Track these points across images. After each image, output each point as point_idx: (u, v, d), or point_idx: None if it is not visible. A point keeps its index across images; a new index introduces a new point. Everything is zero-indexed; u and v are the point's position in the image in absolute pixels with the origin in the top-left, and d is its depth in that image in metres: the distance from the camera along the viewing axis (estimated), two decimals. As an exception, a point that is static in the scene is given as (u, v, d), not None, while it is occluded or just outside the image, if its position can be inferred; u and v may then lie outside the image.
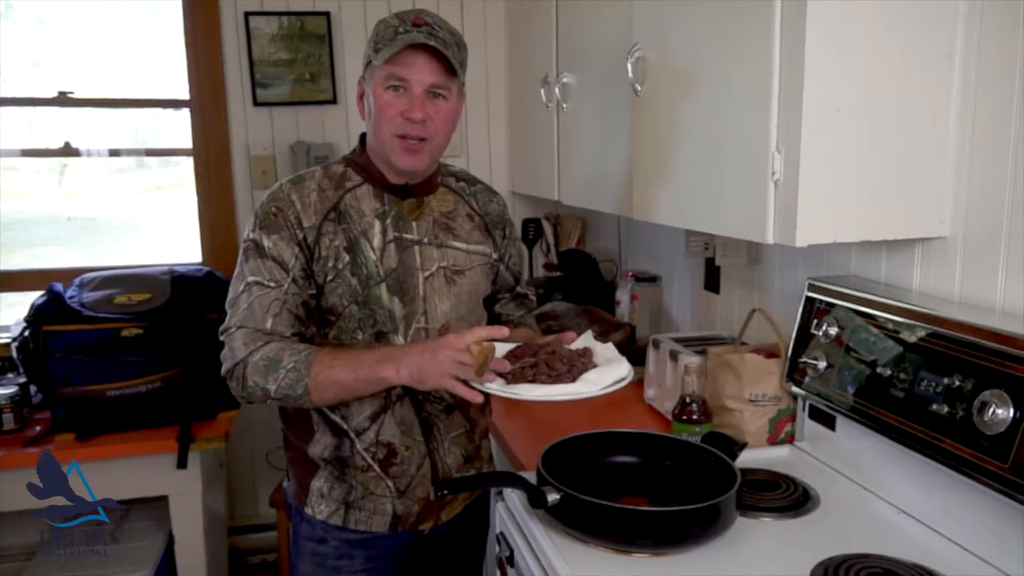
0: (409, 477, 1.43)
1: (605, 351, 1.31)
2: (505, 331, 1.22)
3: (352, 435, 1.39)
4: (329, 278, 1.34)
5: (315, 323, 1.37)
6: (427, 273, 1.40)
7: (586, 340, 1.33)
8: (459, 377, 1.20)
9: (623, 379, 1.22)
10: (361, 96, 1.39)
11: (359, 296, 1.35)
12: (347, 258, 1.34)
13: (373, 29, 1.35)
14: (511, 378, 1.21)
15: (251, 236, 1.34)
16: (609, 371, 1.23)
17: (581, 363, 1.24)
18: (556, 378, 1.20)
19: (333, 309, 1.35)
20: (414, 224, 1.40)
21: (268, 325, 1.31)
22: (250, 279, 1.32)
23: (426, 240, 1.40)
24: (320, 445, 1.40)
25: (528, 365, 1.22)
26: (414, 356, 1.23)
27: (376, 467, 1.40)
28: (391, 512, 1.43)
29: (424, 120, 1.31)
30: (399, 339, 1.37)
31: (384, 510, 1.43)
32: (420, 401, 1.41)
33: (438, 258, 1.41)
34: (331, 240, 1.34)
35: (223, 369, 1.32)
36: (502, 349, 1.26)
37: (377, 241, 1.36)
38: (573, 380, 1.20)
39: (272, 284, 1.32)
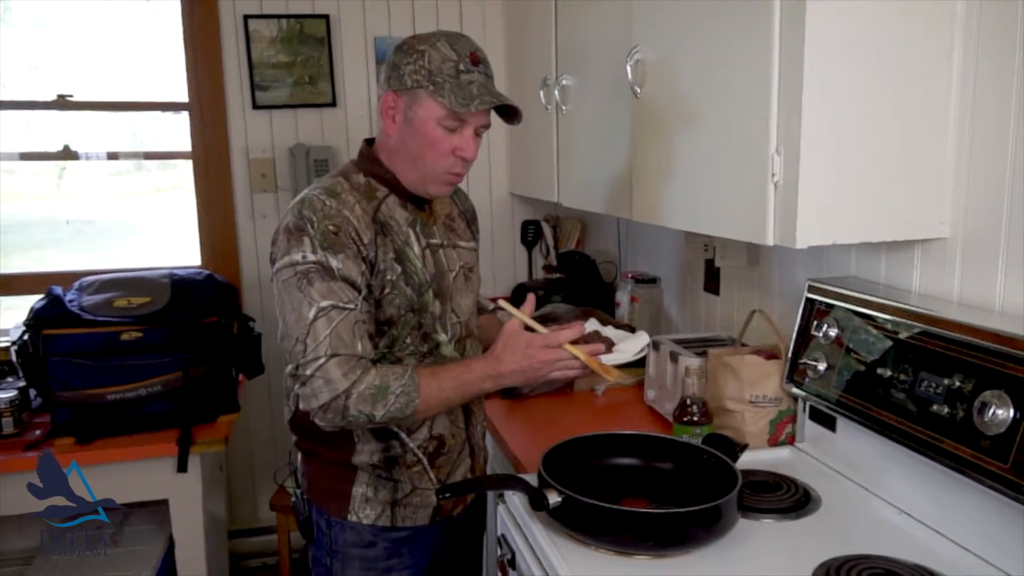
0: (451, 464, 1.47)
1: (613, 331, 1.51)
2: (532, 301, 1.39)
3: (403, 435, 1.41)
4: (386, 291, 1.34)
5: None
6: (453, 274, 1.45)
7: (593, 326, 1.51)
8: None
9: (647, 344, 1.50)
10: (389, 110, 1.35)
11: (415, 304, 1.37)
12: (398, 269, 1.35)
13: (419, 51, 1.30)
14: None
15: (313, 258, 1.27)
16: (634, 341, 1.47)
17: (603, 339, 1.42)
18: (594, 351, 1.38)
19: (390, 320, 1.36)
20: (434, 229, 1.44)
21: (359, 349, 1.28)
22: (324, 303, 1.26)
23: (444, 243, 1.46)
24: (365, 453, 1.41)
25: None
26: (516, 376, 1.31)
27: (425, 461, 1.43)
28: (434, 503, 1.46)
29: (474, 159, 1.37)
30: (442, 336, 1.42)
31: (428, 502, 1.45)
32: None
33: (456, 258, 1.47)
34: (384, 253, 1.34)
35: (318, 402, 1.26)
36: None
37: (417, 249, 1.39)
38: (609, 351, 1.40)
39: (351, 306, 1.28)
